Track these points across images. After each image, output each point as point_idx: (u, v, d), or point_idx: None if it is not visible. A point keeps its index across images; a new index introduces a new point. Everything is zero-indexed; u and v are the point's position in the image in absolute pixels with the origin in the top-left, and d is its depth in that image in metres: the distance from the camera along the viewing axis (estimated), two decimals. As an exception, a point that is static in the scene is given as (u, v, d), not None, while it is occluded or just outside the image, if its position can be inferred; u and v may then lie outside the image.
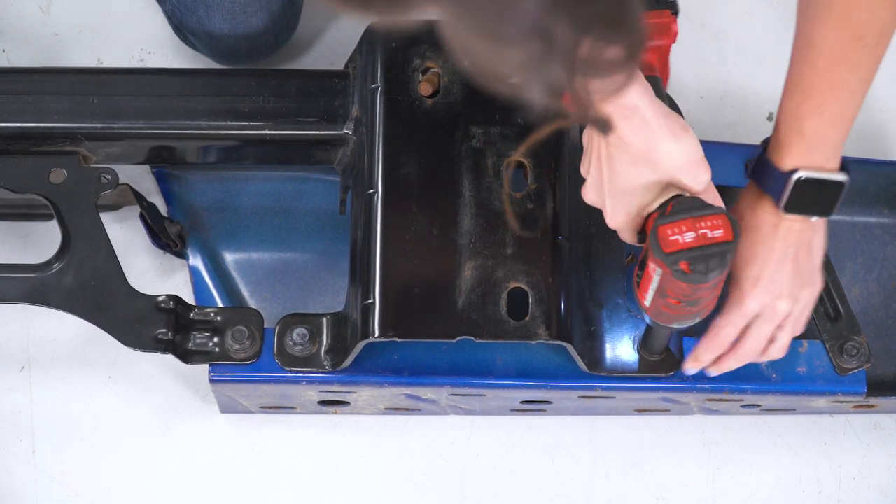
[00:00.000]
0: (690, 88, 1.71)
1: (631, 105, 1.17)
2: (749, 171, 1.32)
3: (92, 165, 1.45)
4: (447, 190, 1.36)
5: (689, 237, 1.17)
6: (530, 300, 1.33)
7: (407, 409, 1.52)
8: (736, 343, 1.36)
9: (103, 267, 1.41)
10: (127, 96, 1.45)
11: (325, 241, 1.56)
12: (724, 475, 1.56)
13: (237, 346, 1.40)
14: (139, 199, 1.49)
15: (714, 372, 1.38)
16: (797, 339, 1.45)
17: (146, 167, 1.54)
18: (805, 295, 1.32)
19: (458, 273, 1.34)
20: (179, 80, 1.48)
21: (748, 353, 1.35)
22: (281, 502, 1.53)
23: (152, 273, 1.59)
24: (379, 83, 1.40)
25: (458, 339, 1.32)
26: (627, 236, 1.27)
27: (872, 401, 1.47)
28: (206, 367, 1.43)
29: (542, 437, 1.56)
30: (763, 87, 1.70)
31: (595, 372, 1.39)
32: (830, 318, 1.46)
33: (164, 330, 1.40)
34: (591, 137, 1.24)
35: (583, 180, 1.28)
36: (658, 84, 1.37)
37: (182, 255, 1.55)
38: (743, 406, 1.50)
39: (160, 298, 1.41)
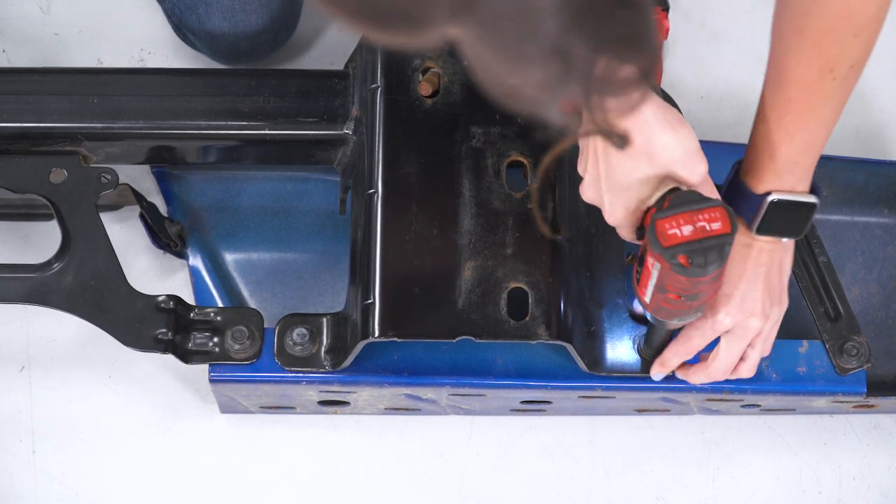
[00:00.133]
0: (690, 88, 1.71)
1: None
2: (722, 192, 1.33)
3: (92, 165, 1.45)
4: (447, 190, 1.36)
5: (686, 230, 1.17)
6: (530, 300, 1.33)
7: (407, 409, 1.52)
8: (707, 359, 1.37)
9: (103, 267, 1.41)
10: (127, 96, 1.45)
11: (325, 241, 1.56)
12: (724, 475, 1.56)
13: (237, 346, 1.40)
14: (139, 199, 1.49)
15: (689, 381, 1.39)
16: (797, 340, 1.45)
17: (146, 167, 1.54)
18: (775, 313, 1.34)
19: (458, 273, 1.34)
20: (179, 80, 1.48)
21: (720, 369, 1.36)
22: (281, 502, 1.53)
23: (152, 273, 1.59)
24: (379, 83, 1.40)
25: (458, 339, 1.32)
26: (626, 233, 1.27)
27: (872, 401, 1.47)
28: (206, 367, 1.43)
29: (542, 437, 1.56)
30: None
31: (595, 372, 1.39)
32: (830, 318, 1.46)
33: (164, 330, 1.40)
34: None
35: (581, 179, 1.28)
36: None
37: (182, 255, 1.55)
38: (743, 406, 1.50)
39: (160, 298, 1.41)
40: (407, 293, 1.33)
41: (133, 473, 1.53)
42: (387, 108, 1.39)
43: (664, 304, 1.23)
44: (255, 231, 1.56)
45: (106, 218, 1.46)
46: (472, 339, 1.32)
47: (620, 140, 1.05)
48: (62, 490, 1.52)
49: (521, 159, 1.38)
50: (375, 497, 1.53)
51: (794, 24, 1.19)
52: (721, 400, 1.47)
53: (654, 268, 1.19)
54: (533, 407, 1.51)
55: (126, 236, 1.58)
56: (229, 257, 1.55)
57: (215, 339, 1.41)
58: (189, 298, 1.49)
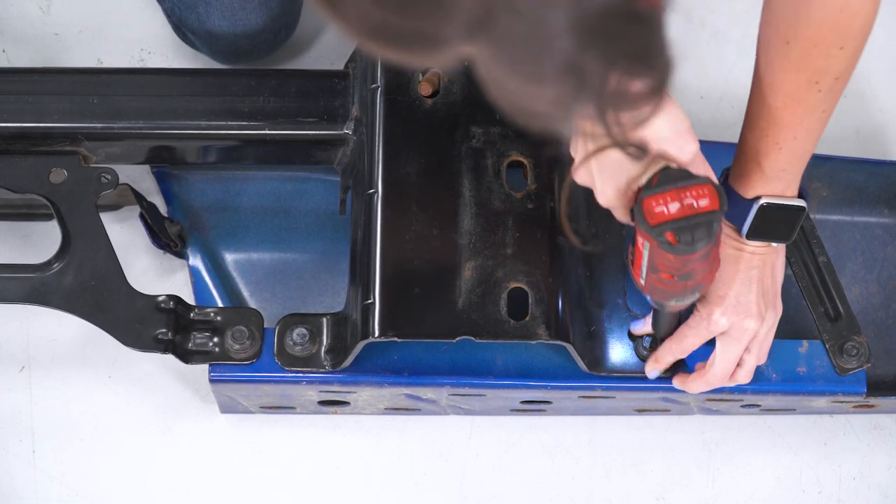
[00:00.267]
0: (690, 88, 1.71)
1: None
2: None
3: (92, 165, 1.45)
4: (447, 190, 1.36)
5: (673, 208, 1.16)
6: (530, 300, 1.33)
7: (407, 409, 1.52)
8: (703, 368, 1.38)
9: (103, 267, 1.41)
10: (127, 96, 1.45)
11: (325, 241, 1.56)
12: (724, 475, 1.56)
13: (237, 346, 1.40)
14: (139, 199, 1.49)
15: (688, 391, 1.40)
16: (797, 340, 1.45)
17: (146, 167, 1.54)
18: (770, 317, 1.35)
19: (458, 273, 1.34)
20: (179, 80, 1.48)
21: (718, 375, 1.37)
22: (281, 502, 1.53)
23: (152, 273, 1.59)
24: (379, 83, 1.40)
25: (458, 339, 1.32)
26: (620, 214, 1.26)
27: (872, 401, 1.47)
28: (206, 367, 1.43)
29: (542, 437, 1.56)
30: (763, 87, 1.70)
31: (595, 372, 1.39)
32: (830, 318, 1.46)
33: (164, 330, 1.40)
34: None
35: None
36: None
37: (182, 255, 1.55)
38: (743, 406, 1.50)
39: (160, 298, 1.41)
40: (407, 293, 1.33)
41: (133, 473, 1.53)
42: (387, 108, 1.39)
43: (658, 284, 1.22)
44: (255, 231, 1.56)
45: (106, 218, 1.46)
46: (472, 339, 1.32)
47: (638, 151, 1.07)
48: (62, 490, 1.52)
49: (521, 159, 1.38)
50: (375, 497, 1.53)
51: (781, 35, 1.20)
52: (721, 400, 1.47)
53: (644, 247, 1.19)
54: (533, 407, 1.51)
55: (126, 236, 1.58)
56: (229, 257, 1.55)
57: (215, 339, 1.41)
58: (189, 298, 1.49)
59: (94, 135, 1.45)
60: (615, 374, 1.41)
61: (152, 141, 1.46)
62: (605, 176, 1.23)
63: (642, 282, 1.23)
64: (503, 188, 1.37)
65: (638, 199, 1.17)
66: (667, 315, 1.34)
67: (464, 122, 1.39)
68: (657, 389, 1.43)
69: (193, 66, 1.66)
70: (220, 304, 1.51)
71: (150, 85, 1.46)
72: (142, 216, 1.50)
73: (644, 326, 1.39)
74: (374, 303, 1.32)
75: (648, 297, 1.27)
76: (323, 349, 1.40)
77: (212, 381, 1.42)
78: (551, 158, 1.38)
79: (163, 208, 1.55)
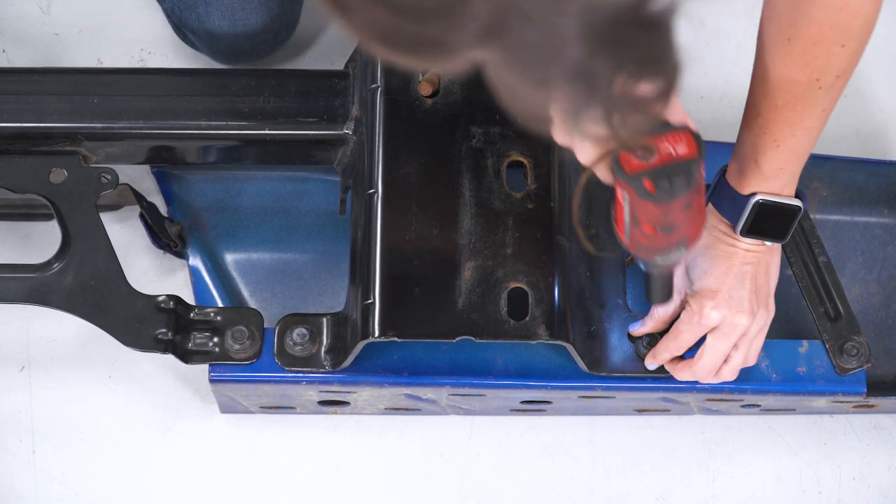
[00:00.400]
0: (690, 88, 1.71)
1: None
2: (708, 194, 1.34)
3: (92, 165, 1.45)
4: (447, 190, 1.36)
5: (651, 156, 1.15)
6: (530, 300, 1.33)
7: (407, 409, 1.52)
8: (693, 357, 1.38)
9: (103, 267, 1.41)
10: (127, 96, 1.45)
11: (325, 241, 1.56)
12: (724, 475, 1.56)
13: (237, 346, 1.40)
14: (139, 199, 1.49)
15: (675, 377, 1.40)
16: (797, 340, 1.45)
17: (146, 167, 1.54)
18: (762, 315, 1.35)
19: (458, 273, 1.34)
20: (179, 80, 1.48)
21: (705, 368, 1.37)
22: (281, 502, 1.53)
23: (152, 273, 1.59)
24: (379, 83, 1.40)
25: (458, 339, 1.32)
26: (602, 171, 1.26)
27: (872, 401, 1.47)
28: (206, 367, 1.43)
29: (542, 437, 1.56)
30: (763, 87, 1.70)
31: (595, 372, 1.39)
32: (830, 318, 1.46)
33: (164, 330, 1.40)
34: None
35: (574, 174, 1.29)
36: None
37: (182, 255, 1.55)
38: (743, 406, 1.50)
39: (160, 298, 1.41)
40: (407, 293, 1.33)
41: (133, 473, 1.53)
42: (387, 108, 1.39)
43: (642, 238, 1.21)
44: (255, 231, 1.56)
45: (106, 218, 1.46)
46: (472, 339, 1.32)
47: (645, 152, 1.07)
48: (62, 490, 1.52)
49: (521, 159, 1.38)
50: (375, 497, 1.53)
51: (782, 33, 1.20)
52: (721, 400, 1.47)
53: (624, 200, 1.18)
54: (533, 407, 1.51)
55: (126, 236, 1.58)
56: (229, 257, 1.55)
57: (215, 339, 1.41)
58: (189, 298, 1.49)
59: (94, 135, 1.45)
60: (615, 374, 1.41)
61: (152, 141, 1.46)
62: (583, 133, 1.23)
63: (626, 238, 1.22)
64: (503, 188, 1.37)
65: (615, 149, 1.16)
66: (657, 280, 1.32)
67: (464, 122, 1.39)
68: (657, 389, 1.43)
69: (193, 66, 1.66)
70: (220, 304, 1.51)
71: (150, 85, 1.46)
72: (142, 216, 1.50)
73: (643, 327, 1.39)
74: (374, 303, 1.32)
75: (635, 256, 1.26)
76: (323, 349, 1.40)
77: (212, 381, 1.42)
78: (559, 160, 1.38)
79: (163, 208, 1.55)
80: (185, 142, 1.47)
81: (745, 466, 1.56)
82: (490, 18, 0.83)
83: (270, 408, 1.52)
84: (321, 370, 1.40)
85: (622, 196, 1.18)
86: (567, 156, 1.40)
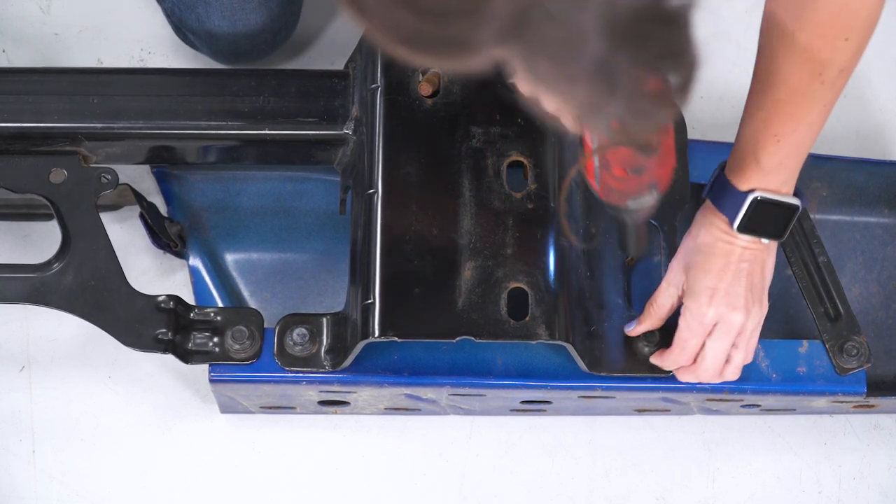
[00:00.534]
0: (690, 88, 1.71)
1: None
2: (706, 190, 1.34)
3: (92, 165, 1.45)
4: (447, 190, 1.36)
5: None
6: (530, 300, 1.33)
7: (407, 409, 1.52)
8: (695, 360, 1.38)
9: (103, 267, 1.41)
10: (127, 96, 1.45)
11: (325, 241, 1.56)
12: (724, 475, 1.56)
13: (237, 346, 1.40)
14: (139, 199, 1.49)
15: (680, 380, 1.40)
16: (797, 340, 1.45)
17: (146, 167, 1.54)
18: (756, 312, 1.35)
19: (458, 273, 1.34)
20: (179, 80, 1.48)
21: (708, 370, 1.37)
22: (281, 502, 1.53)
23: (152, 273, 1.59)
24: (379, 83, 1.40)
25: (458, 339, 1.32)
26: (569, 120, 1.25)
27: (872, 401, 1.47)
28: (206, 367, 1.43)
29: (542, 437, 1.56)
30: (763, 87, 1.70)
31: (595, 372, 1.39)
32: (830, 318, 1.46)
33: (164, 330, 1.40)
34: None
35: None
36: None
37: (182, 255, 1.55)
38: (743, 406, 1.50)
39: (160, 298, 1.41)
40: (407, 293, 1.33)
41: (133, 473, 1.53)
42: (387, 108, 1.39)
43: (612, 182, 1.20)
44: (255, 231, 1.56)
45: (106, 218, 1.46)
46: (472, 339, 1.32)
47: (649, 149, 1.07)
48: (62, 490, 1.52)
49: (521, 159, 1.38)
50: (375, 497, 1.53)
51: (786, 26, 1.20)
52: (721, 400, 1.47)
53: (592, 143, 1.18)
54: (533, 407, 1.51)
55: (126, 236, 1.58)
56: (229, 257, 1.55)
57: (215, 339, 1.41)
58: (189, 298, 1.49)
59: (94, 135, 1.45)
60: (615, 374, 1.41)
61: (152, 141, 1.46)
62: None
63: (597, 185, 1.21)
64: (503, 188, 1.37)
65: None
66: (632, 230, 1.32)
67: (464, 122, 1.39)
68: (657, 389, 1.43)
69: (193, 66, 1.66)
70: (220, 304, 1.51)
71: (150, 85, 1.46)
72: (142, 216, 1.50)
73: (639, 326, 1.39)
74: (374, 303, 1.32)
75: (607, 204, 1.24)
76: (323, 349, 1.40)
77: (212, 381, 1.42)
78: (559, 160, 1.38)
79: (163, 208, 1.55)
80: (185, 142, 1.47)
81: (745, 466, 1.56)
82: (511, 17, 0.84)
83: (270, 408, 1.52)
84: (321, 370, 1.40)
85: (589, 139, 1.18)
86: (567, 155, 1.40)
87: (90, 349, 1.56)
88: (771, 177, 1.29)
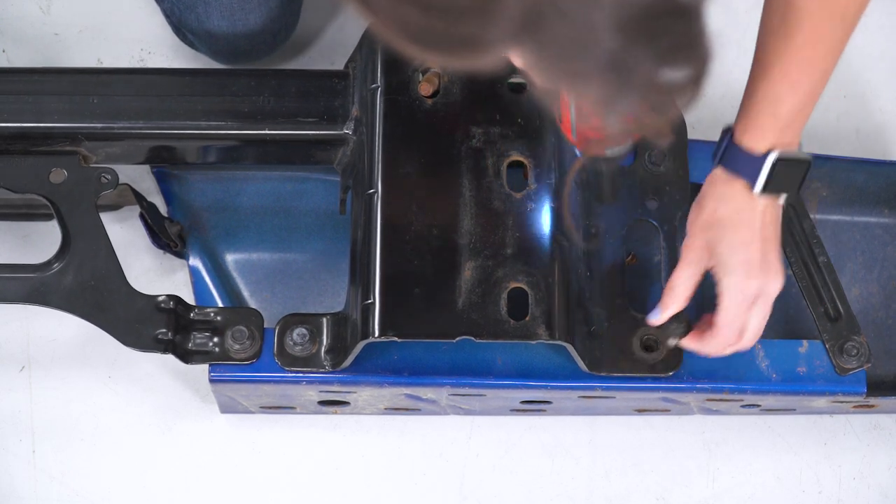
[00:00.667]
0: (690, 88, 1.71)
1: None
2: (717, 158, 1.32)
3: (92, 165, 1.45)
4: (447, 190, 1.36)
5: None
6: (530, 300, 1.33)
7: (407, 409, 1.52)
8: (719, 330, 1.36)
9: (103, 267, 1.41)
10: (127, 96, 1.45)
11: (325, 241, 1.56)
12: (724, 475, 1.56)
13: (237, 346, 1.40)
14: (139, 199, 1.49)
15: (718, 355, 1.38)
16: (797, 340, 1.45)
17: (146, 167, 1.54)
18: (782, 270, 1.34)
19: (458, 273, 1.34)
20: (179, 80, 1.48)
21: (748, 342, 1.35)
22: (281, 502, 1.53)
23: (152, 273, 1.59)
24: (379, 83, 1.40)
25: (458, 339, 1.32)
26: (584, 111, 1.25)
27: (872, 401, 1.47)
28: (206, 367, 1.43)
29: (542, 437, 1.56)
30: (763, 87, 1.70)
31: (595, 372, 1.39)
32: (830, 318, 1.46)
33: (164, 330, 1.40)
34: None
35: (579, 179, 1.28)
36: None
37: (182, 255, 1.55)
38: (743, 406, 1.50)
39: (160, 298, 1.41)
40: (407, 293, 1.33)
41: (133, 473, 1.53)
42: (387, 108, 1.39)
43: (590, 133, 1.20)
44: (255, 231, 1.56)
45: (106, 218, 1.46)
46: (472, 339, 1.32)
47: (663, 139, 1.07)
48: (62, 490, 1.52)
49: (521, 159, 1.38)
50: (375, 497, 1.53)
51: None
52: (721, 400, 1.47)
53: (569, 98, 1.18)
54: (533, 407, 1.51)
55: (126, 236, 1.58)
56: (229, 257, 1.55)
57: (215, 339, 1.41)
58: (189, 298, 1.49)
59: (94, 135, 1.45)
60: (615, 374, 1.40)
61: (152, 141, 1.46)
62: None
63: (573, 136, 1.21)
64: (503, 188, 1.37)
65: None
66: (608, 177, 1.30)
67: (464, 122, 1.39)
68: (657, 389, 1.43)
69: (193, 66, 1.66)
70: (220, 304, 1.51)
71: (150, 85, 1.46)
72: (142, 216, 1.50)
73: (664, 313, 1.37)
74: (374, 303, 1.32)
75: (582, 153, 1.23)
76: (323, 349, 1.40)
77: (212, 381, 1.42)
78: (559, 160, 1.38)
79: (163, 208, 1.55)
80: (185, 142, 1.47)
81: (745, 466, 1.56)
82: (524, 15, 0.84)
83: (270, 408, 1.52)
84: (321, 370, 1.40)
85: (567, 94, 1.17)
86: (567, 155, 1.40)
87: (90, 349, 1.56)
88: (787, 131, 1.27)
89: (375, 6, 0.85)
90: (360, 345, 1.33)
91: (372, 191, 1.37)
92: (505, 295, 1.33)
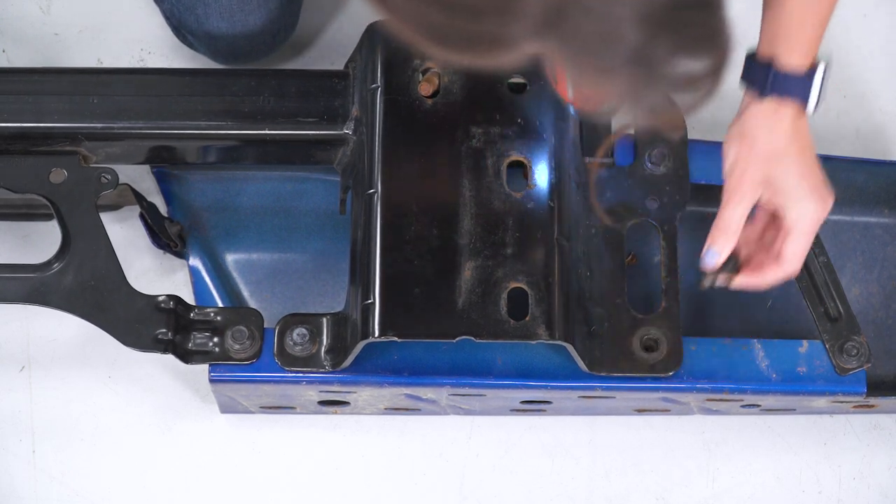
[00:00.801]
0: (690, 88, 1.70)
1: None
2: (759, 89, 1.30)
3: (92, 165, 1.45)
4: (447, 190, 1.36)
5: None
6: (530, 300, 1.33)
7: (407, 409, 1.52)
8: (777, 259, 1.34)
9: (103, 267, 1.41)
10: (127, 96, 1.45)
11: (325, 241, 1.56)
12: (724, 475, 1.56)
13: (237, 346, 1.40)
14: (139, 199, 1.49)
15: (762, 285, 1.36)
16: (797, 340, 1.45)
17: (146, 167, 1.54)
18: None
19: (458, 273, 1.34)
20: (179, 80, 1.48)
21: (797, 266, 1.34)
22: (281, 502, 1.53)
23: (152, 273, 1.59)
24: (379, 83, 1.40)
25: (458, 339, 1.32)
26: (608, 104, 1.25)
27: (872, 401, 1.47)
28: (206, 367, 1.43)
29: (542, 437, 1.56)
30: (763, 87, 1.70)
31: (595, 372, 1.39)
32: (830, 318, 1.46)
33: (164, 330, 1.40)
34: None
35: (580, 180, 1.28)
36: None
37: (182, 255, 1.55)
38: (743, 406, 1.50)
39: (160, 298, 1.41)
40: (407, 293, 1.33)
41: (133, 473, 1.53)
42: (387, 108, 1.39)
43: (588, 92, 1.19)
44: (255, 231, 1.56)
45: (106, 218, 1.46)
46: (472, 339, 1.32)
47: (675, 132, 1.07)
48: (62, 490, 1.52)
49: (521, 159, 1.38)
50: (375, 497, 1.53)
51: None
52: (721, 400, 1.47)
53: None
54: (533, 407, 1.51)
55: (126, 236, 1.58)
56: (229, 257, 1.55)
57: (215, 339, 1.41)
58: (189, 298, 1.49)
59: (94, 135, 1.45)
60: (615, 374, 1.40)
61: (152, 141, 1.46)
62: None
63: (570, 95, 1.20)
64: (503, 188, 1.37)
65: None
66: (603, 130, 1.30)
67: (464, 122, 1.39)
68: (657, 389, 1.43)
69: (193, 66, 1.66)
70: (220, 304, 1.51)
71: (150, 85, 1.46)
72: (142, 216, 1.50)
73: (721, 255, 1.34)
74: (374, 303, 1.32)
75: (577, 112, 1.22)
76: (323, 349, 1.40)
77: (212, 381, 1.42)
78: (559, 160, 1.38)
79: (163, 208, 1.55)
80: (185, 142, 1.47)
81: (745, 466, 1.56)
82: (548, 12, 0.84)
83: (270, 408, 1.52)
84: (321, 370, 1.40)
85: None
86: (567, 155, 1.40)
87: (90, 349, 1.56)
88: (815, 42, 1.27)
89: (395, 6, 0.84)
90: (360, 345, 1.33)
91: (372, 191, 1.37)
92: (505, 295, 1.33)
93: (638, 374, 1.41)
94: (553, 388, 1.43)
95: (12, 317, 1.57)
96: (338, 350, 1.39)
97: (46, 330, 1.57)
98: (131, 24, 1.70)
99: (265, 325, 1.42)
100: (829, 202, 1.31)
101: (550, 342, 1.32)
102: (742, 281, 1.36)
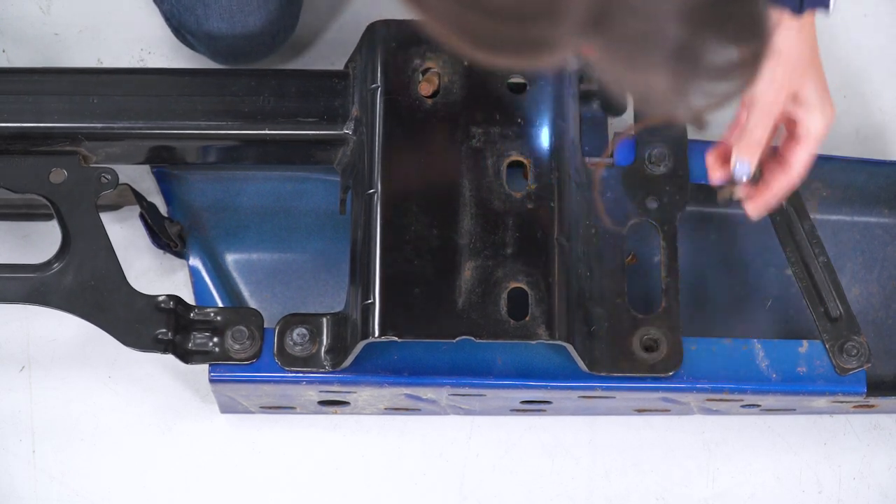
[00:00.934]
0: (690, 88, 1.70)
1: None
2: (794, 6, 1.29)
3: (92, 165, 1.45)
4: (447, 190, 1.36)
5: None
6: (530, 300, 1.33)
7: (407, 409, 1.52)
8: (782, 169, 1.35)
9: (103, 267, 1.41)
10: (127, 96, 1.45)
11: (325, 241, 1.56)
12: (724, 475, 1.56)
13: (237, 346, 1.40)
14: (139, 199, 1.49)
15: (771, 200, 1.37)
16: (797, 340, 1.45)
17: (146, 167, 1.54)
18: None
19: (458, 273, 1.34)
20: (179, 80, 1.48)
21: (794, 176, 1.35)
22: (281, 502, 1.53)
23: (152, 273, 1.59)
24: (379, 83, 1.40)
25: (458, 339, 1.32)
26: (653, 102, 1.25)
27: (872, 401, 1.47)
28: (206, 367, 1.43)
29: (542, 437, 1.56)
30: (763, 87, 1.70)
31: (595, 372, 1.39)
32: (830, 318, 1.45)
33: (164, 330, 1.40)
34: None
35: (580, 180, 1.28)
36: None
37: (182, 255, 1.55)
38: (743, 406, 1.50)
39: (160, 298, 1.41)
40: (407, 293, 1.33)
41: (133, 473, 1.53)
42: (387, 108, 1.39)
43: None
44: (255, 231, 1.56)
45: (106, 218, 1.46)
46: (472, 339, 1.32)
47: (700, 124, 1.08)
48: (62, 490, 1.52)
49: (521, 159, 1.38)
50: (375, 497, 1.53)
51: None
52: (721, 400, 1.47)
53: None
54: (533, 407, 1.51)
55: (126, 236, 1.58)
56: (229, 257, 1.55)
57: (215, 339, 1.41)
58: (189, 298, 1.49)
59: (94, 135, 1.45)
60: (615, 374, 1.40)
61: (152, 141, 1.46)
62: None
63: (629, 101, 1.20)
64: (503, 188, 1.37)
65: None
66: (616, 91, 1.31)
67: (464, 122, 1.39)
68: (657, 389, 1.43)
69: (193, 67, 1.66)
70: (220, 304, 1.51)
71: (150, 85, 1.46)
72: (142, 216, 1.50)
73: (751, 164, 1.34)
74: (374, 303, 1.32)
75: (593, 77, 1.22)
76: (323, 349, 1.40)
77: (212, 381, 1.42)
78: (559, 160, 1.38)
79: (163, 208, 1.55)
80: (185, 142, 1.47)
81: (745, 466, 1.56)
82: (590, 13, 0.84)
83: (270, 408, 1.52)
84: (321, 370, 1.40)
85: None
86: (567, 155, 1.40)
87: (90, 349, 1.56)
88: None
89: (439, 14, 0.84)
90: (360, 345, 1.33)
91: (372, 191, 1.37)
92: (505, 295, 1.33)
93: (638, 374, 1.41)
94: (553, 388, 1.43)
95: (12, 317, 1.57)
96: (338, 350, 1.39)
97: (46, 330, 1.57)
98: (131, 24, 1.70)
99: (265, 325, 1.42)
100: (835, 111, 1.33)
101: (550, 342, 1.32)
102: (751, 193, 1.36)
